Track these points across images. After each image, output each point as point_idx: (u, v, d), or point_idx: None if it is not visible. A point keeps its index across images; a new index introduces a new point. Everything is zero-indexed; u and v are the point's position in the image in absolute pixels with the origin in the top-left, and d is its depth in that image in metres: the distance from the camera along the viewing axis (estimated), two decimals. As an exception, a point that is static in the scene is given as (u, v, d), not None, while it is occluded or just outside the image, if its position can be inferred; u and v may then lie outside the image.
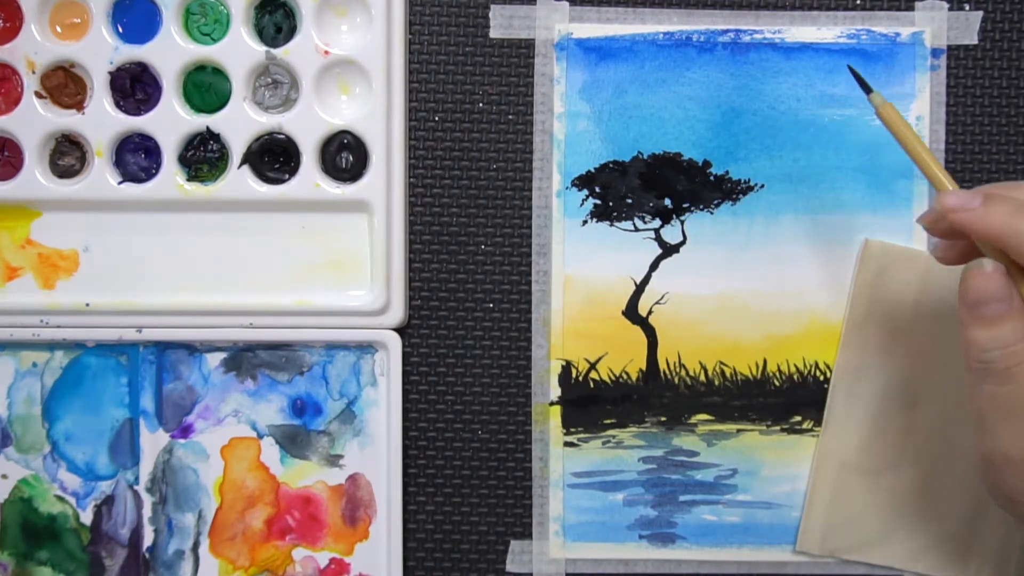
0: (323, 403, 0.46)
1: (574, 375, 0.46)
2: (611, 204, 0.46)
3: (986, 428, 0.32)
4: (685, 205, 0.46)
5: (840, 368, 0.45)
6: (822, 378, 0.46)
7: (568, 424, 0.46)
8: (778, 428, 0.46)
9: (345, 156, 0.44)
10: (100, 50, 0.44)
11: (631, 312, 0.46)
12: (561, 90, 0.45)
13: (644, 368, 0.46)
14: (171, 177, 0.44)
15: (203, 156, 0.45)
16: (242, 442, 0.46)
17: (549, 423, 0.46)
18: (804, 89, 0.45)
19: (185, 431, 0.46)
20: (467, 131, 0.46)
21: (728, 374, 0.46)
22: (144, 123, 0.44)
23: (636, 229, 0.46)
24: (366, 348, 0.45)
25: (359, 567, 0.46)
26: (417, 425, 0.46)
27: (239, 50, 0.44)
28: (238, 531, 0.46)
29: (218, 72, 0.44)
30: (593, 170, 0.46)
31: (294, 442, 0.46)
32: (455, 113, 0.46)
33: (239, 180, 0.44)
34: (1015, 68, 0.46)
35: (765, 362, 0.46)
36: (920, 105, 0.45)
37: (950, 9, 0.45)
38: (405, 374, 0.46)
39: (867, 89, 0.38)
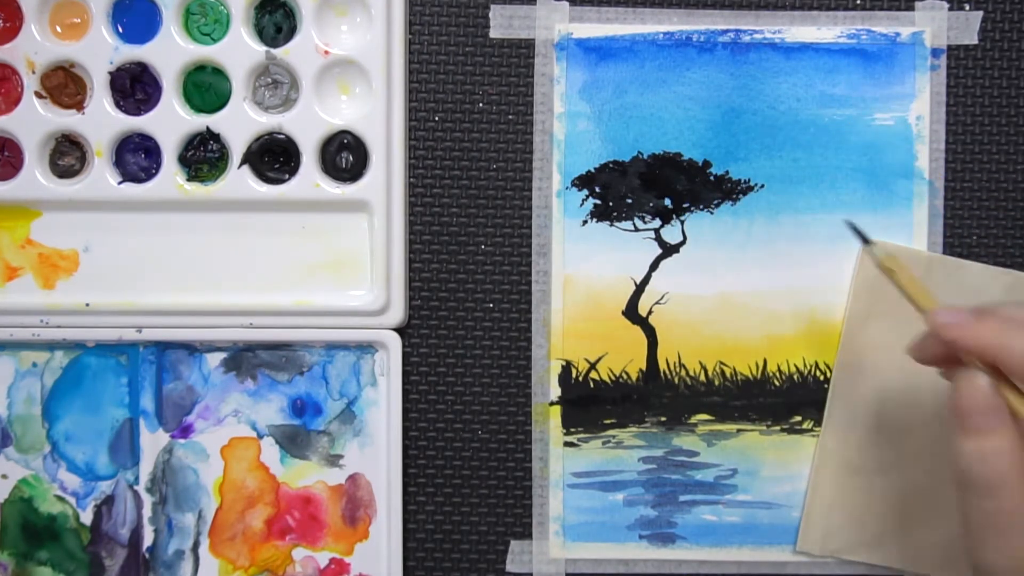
0: (323, 403, 0.46)
1: (574, 375, 0.46)
2: (611, 204, 0.46)
3: (971, 535, 0.32)
4: (685, 205, 0.46)
5: (840, 368, 0.45)
6: (822, 378, 0.46)
7: (568, 424, 0.46)
8: (778, 428, 0.46)
9: (345, 156, 0.44)
10: (100, 50, 0.44)
11: (631, 312, 0.46)
12: (561, 90, 0.45)
13: (644, 368, 0.46)
14: (171, 177, 0.44)
15: (203, 156, 0.45)
16: (242, 442, 0.46)
17: (549, 423, 0.46)
18: (804, 89, 0.45)
19: (185, 431, 0.46)
20: (467, 131, 0.46)
21: (728, 374, 0.46)
22: (144, 123, 0.44)
23: (636, 229, 0.46)
24: (366, 348, 0.45)
25: (359, 567, 0.46)
26: (417, 425, 0.46)
27: (239, 50, 0.44)
28: (238, 531, 0.46)
29: (218, 72, 0.44)
30: (593, 170, 0.46)
31: (294, 442, 0.46)
32: (455, 113, 0.46)
33: (239, 180, 0.44)
34: (1015, 68, 0.46)
35: (765, 362, 0.46)
36: (920, 105, 0.45)
37: (950, 9, 0.45)
38: (405, 374, 0.46)
39: (866, 240, 0.38)
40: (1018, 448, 0.31)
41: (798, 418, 0.46)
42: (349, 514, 0.46)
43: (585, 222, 0.46)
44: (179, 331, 0.45)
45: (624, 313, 0.46)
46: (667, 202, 0.46)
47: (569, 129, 0.45)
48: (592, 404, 0.46)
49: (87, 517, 0.46)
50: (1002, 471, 0.31)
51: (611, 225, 0.46)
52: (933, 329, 0.33)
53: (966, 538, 0.33)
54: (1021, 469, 0.31)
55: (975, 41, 0.46)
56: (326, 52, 0.44)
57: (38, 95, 0.44)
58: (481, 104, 0.46)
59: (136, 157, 0.45)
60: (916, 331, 0.45)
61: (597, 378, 0.46)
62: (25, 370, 0.46)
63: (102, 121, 0.44)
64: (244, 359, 0.46)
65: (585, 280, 0.46)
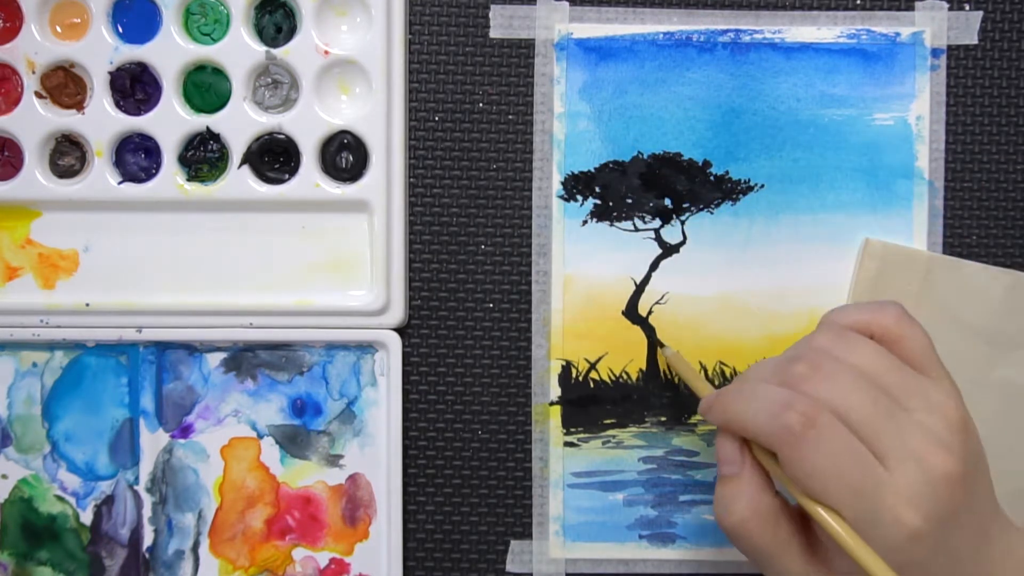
0: (323, 403, 0.46)
1: (574, 375, 0.46)
2: (611, 204, 0.46)
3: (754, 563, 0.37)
4: (685, 205, 0.46)
5: None
6: (822, 378, 0.46)
7: (568, 424, 0.46)
8: (778, 428, 0.46)
9: (345, 156, 0.44)
10: (100, 50, 0.44)
11: (631, 312, 0.46)
12: (561, 90, 0.45)
13: (644, 368, 0.46)
14: (171, 177, 0.44)
15: (203, 156, 0.45)
16: (242, 442, 0.46)
17: (549, 423, 0.46)
18: (804, 89, 0.45)
19: (185, 431, 0.46)
20: (467, 131, 0.46)
21: (728, 374, 0.46)
22: (144, 123, 0.44)
23: (636, 229, 0.46)
24: (366, 348, 0.45)
25: (359, 567, 0.46)
26: (417, 425, 0.46)
27: (239, 50, 0.44)
28: (238, 531, 0.46)
29: (218, 72, 0.44)
30: (593, 170, 0.46)
31: (294, 442, 0.46)
32: (455, 113, 0.46)
33: (239, 180, 0.44)
34: (1015, 68, 0.46)
35: (765, 362, 0.46)
36: (920, 105, 0.45)
37: (950, 9, 0.45)
38: (405, 374, 0.46)
39: (660, 344, 0.45)
40: (757, 492, 0.35)
41: (798, 418, 0.46)
42: (349, 514, 0.46)
43: (585, 222, 0.46)
44: (179, 331, 0.45)
45: (624, 313, 0.46)
46: (667, 202, 0.46)
47: (569, 129, 0.45)
48: (592, 404, 0.46)
49: (87, 517, 0.46)
50: (742, 512, 0.35)
51: (611, 225, 0.46)
52: (701, 415, 0.39)
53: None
54: (757, 509, 0.35)
55: (975, 41, 0.46)
56: (326, 52, 0.44)
57: (38, 95, 0.44)
58: (481, 104, 0.46)
59: (136, 157, 0.45)
60: (916, 331, 0.45)
61: (597, 378, 0.46)
62: (25, 370, 0.46)
63: (102, 121, 0.44)
64: (244, 359, 0.46)
65: (585, 280, 0.46)
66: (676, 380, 0.46)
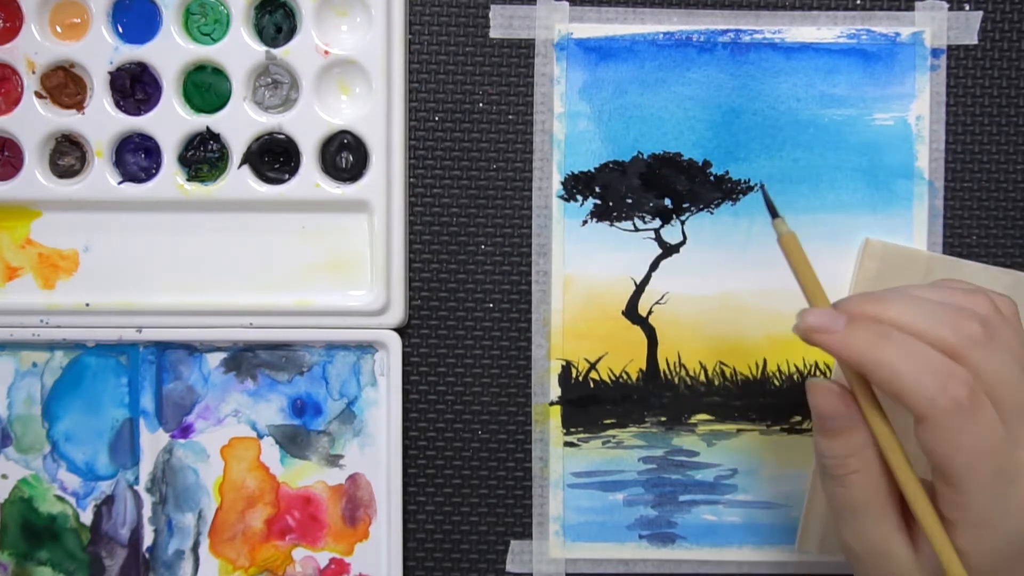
0: (323, 403, 0.46)
1: (574, 375, 0.46)
2: (611, 204, 0.46)
3: (834, 518, 0.36)
4: (685, 205, 0.46)
5: (840, 368, 0.45)
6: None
7: (568, 424, 0.46)
8: (778, 428, 0.46)
9: (345, 156, 0.44)
10: (100, 50, 0.44)
11: (631, 312, 0.46)
12: (561, 90, 0.45)
13: (644, 368, 0.46)
14: (171, 177, 0.44)
15: (203, 156, 0.45)
16: (242, 442, 0.46)
17: (549, 423, 0.46)
18: (804, 89, 0.45)
19: (185, 431, 0.46)
20: (467, 131, 0.46)
21: (728, 374, 0.46)
22: (144, 123, 0.44)
23: (636, 229, 0.46)
24: (366, 348, 0.45)
25: (359, 567, 0.46)
26: (417, 425, 0.46)
27: (239, 50, 0.44)
28: (238, 531, 0.46)
29: (218, 72, 0.44)
30: (593, 170, 0.46)
31: (294, 442, 0.46)
32: (455, 113, 0.46)
33: (239, 180, 0.44)
34: (1015, 68, 0.46)
35: (765, 362, 0.46)
36: (920, 105, 0.45)
37: (950, 9, 0.45)
38: (405, 374, 0.46)
39: (774, 213, 0.36)
40: (866, 446, 0.34)
41: (798, 418, 0.46)
42: (349, 514, 0.46)
43: (585, 222, 0.46)
44: (179, 331, 0.45)
45: (624, 313, 0.46)
46: (667, 202, 0.46)
47: (569, 129, 0.45)
48: (592, 404, 0.46)
49: (87, 517, 0.46)
50: (851, 467, 0.34)
51: (611, 225, 0.46)
52: (804, 330, 0.33)
53: (833, 520, 0.36)
54: (867, 465, 0.34)
55: (975, 41, 0.46)
56: (326, 52, 0.44)
57: (38, 95, 0.44)
58: (481, 104, 0.46)
59: (136, 157, 0.45)
60: (916, 331, 0.45)
61: (597, 378, 0.46)
62: (25, 370, 0.46)
63: (102, 121, 0.44)
64: (244, 359, 0.46)
65: (585, 280, 0.46)
66: (675, 378, 0.46)
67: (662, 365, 0.46)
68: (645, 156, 0.45)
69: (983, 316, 0.33)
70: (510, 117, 0.46)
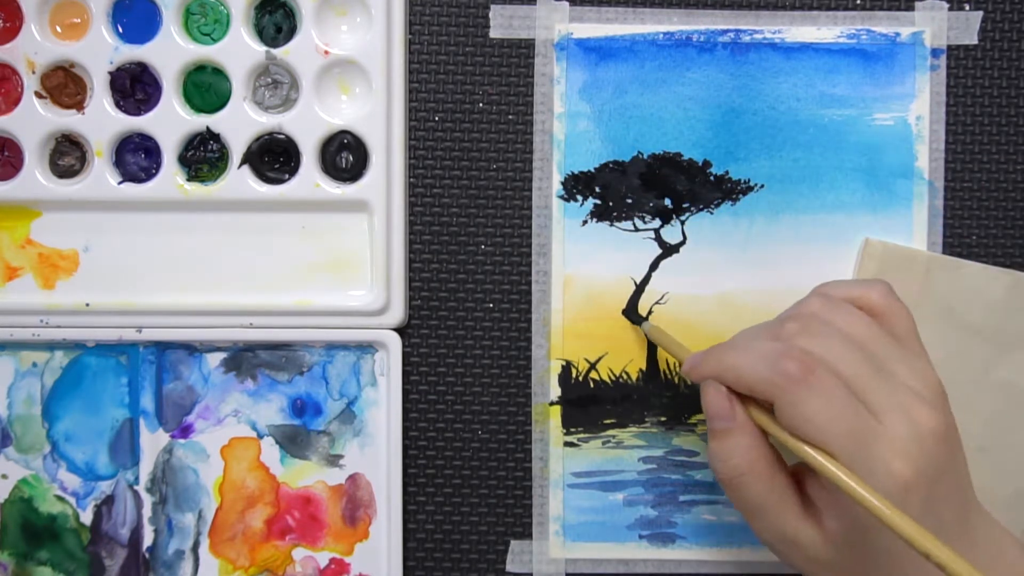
0: (323, 403, 0.46)
1: (574, 375, 0.46)
2: (611, 204, 0.46)
3: (743, 516, 0.38)
4: (685, 205, 0.46)
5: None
6: (822, 378, 0.46)
7: (568, 424, 0.46)
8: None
9: (345, 156, 0.44)
10: (100, 50, 0.44)
11: (631, 312, 0.46)
12: (561, 90, 0.45)
13: (644, 368, 0.46)
14: (171, 177, 0.44)
15: (203, 156, 0.45)
16: (242, 442, 0.46)
17: (549, 423, 0.46)
18: (804, 89, 0.45)
19: (185, 431, 0.46)
20: (467, 131, 0.46)
21: (728, 374, 0.46)
22: (144, 123, 0.44)
23: (636, 229, 0.46)
24: (366, 348, 0.45)
25: (359, 567, 0.46)
26: (417, 425, 0.46)
27: (239, 50, 0.44)
28: (238, 531, 0.46)
29: (218, 72, 0.44)
30: (593, 170, 0.46)
31: (294, 442, 0.46)
32: (455, 113, 0.46)
33: (239, 180, 0.44)
34: (1015, 68, 0.46)
35: (765, 362, 0.46)
36: (920, 105, 0.45)
37: (950, 9, 0.45)
38: (405, 374, 0.46)
39: (640, 320, 0.44)
40: (751, 447, 0.36)
41: (798, 418, 0.46)
42: (349, 514, 0.46)
43: (585, 222, 0.46)
44: (179, 331, 0.45)
45: (624, 313, 0.46)
46: (667, 202, 0.46)
47: (569, 129, 0.45)
48: (592, 404, 0.46)
49: (87, 517, 0.46)
50: (740, 466, 0.36)
51: (611, 225, 0.46)
52: (684, 375, 0.39)
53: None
54: (753, 465, 0.36)
55: (975, 41, 0.46)
56: (326, 52, 0.44)
57: (38, 95, 0.44)
58: (481, 104, 0.46)
59: (136, 157, 0.45)
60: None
61: (597, 378, 0.46)
62: (25, 370, 0.46)
63: (102, 121, 0.44)
64: (244, 359, 0.46)
65: (585, 280, 0.46)
66: (676, 378, 0.46)
67: (662, 365, 0.46)
68: (645, 156, 0.45)
69: (802, 314, 0.36)
70: (510, 117, 0.46)
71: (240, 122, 0.44)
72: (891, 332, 0.37)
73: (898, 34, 0.45)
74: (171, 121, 0.44)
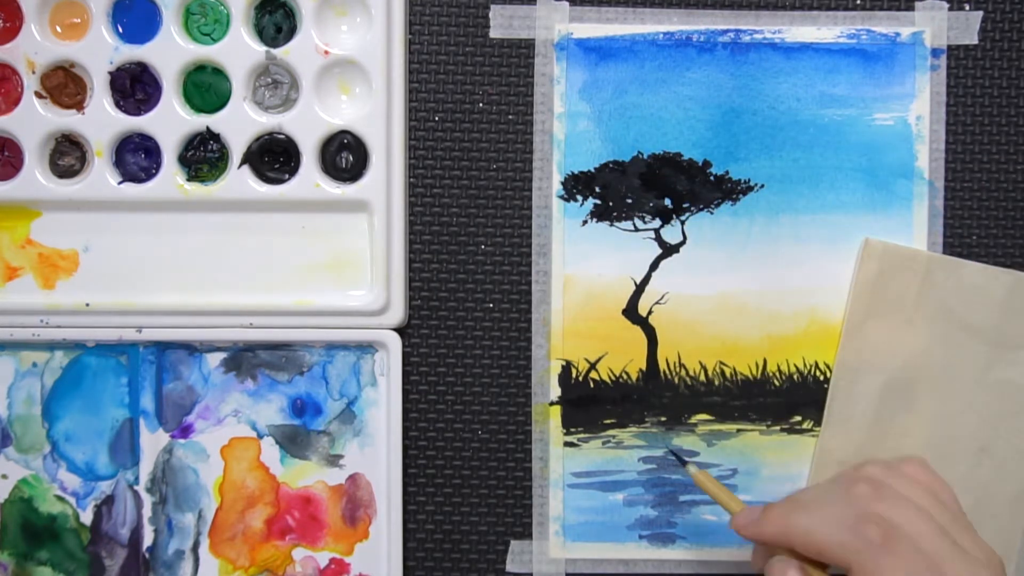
0: (323, 403, 0.46)
1: (574, 375, 0.46)
2: (611, 204, 0.46)
3: None
4: (685, 205, 0.46)
5: (840, 368, 0.45)
6: (822, 378, 0.46)
7: (568, 424, 0.46)
8: (778, 428, 0.46)
9: (345, 156, 0.44)
10: (100, 50, 0.44)
11: (631, 312, 0.46)
12: (561, 90, 0.45)
13: (644, 368, 0.46)
14: (171, 177, 0.44)
15: (203, 156, 0.45)
16: (242, 442, 0.46)
17: (549, 423, 0.46)
18: (804, 89, 0.45)
19: (185, 431, 0.46)
20: (467, 131, 0.46)
21: (728, 374, 0.46)
22: (144, 123, 0.44)
23: (636, 229, 0.46)
24: (366, 348, 0.45)
25: (359, 567, 0.46)
26: (417, 425, 0.46)
27: (239, 50, 0.44)
28: (238, 531, 0.46)
29: (218, 72, 0.44)
30: (593, 170, 0.46)
31: (294, 442, 0.46)
32: (455, 113, 0.46)
33: (239, 180, 0.44)
34: (1015, 68, 0.46)
35: (765, 362, 0.46)
36: (920, 105, 0.45)
37: (950, 9, 0.45)
38: (405, 374, 0.46)
39: (683, 462, 0.42)
40: None
41: (798, 418, 0.46)
42: (349, 514, 0.46)
43: (585, 222, 0.46)
44: (179, 331, 0.45)
45: (624, 313, 0.46)
46: (667, 202, 0.46)
47: (569, 129, 0.45)
48: (592, 404, 0.46)
49: (87, 517, 0.46)
50: None
51: (611, 225, 0.46)
52: (735, 530, 0.38)
53: None
54: None
55: (975, 41, 0.46)
56: (326, 52, 0.44)
57: (38, 95, 0.44)
58: (481, 104, 0.46)
59: (136, 157, 0.45)
60: (916, 331, 0.45)
61: (597, 378, 0.46)
62: (25, 370, 0.46)
63: (102, 121, 0.44)
64: (244, 359, 0.46)
65: (585, 280, 0.46)
66: (675, 378, 0.46)
67: (662, 365, 0.46)
68: (645, 156, 0.45)
69: (871, 479, 0.37)
70: (510, 117, 0.46)
71: (240, 122, 0.44)
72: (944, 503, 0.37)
73: (898, 34, 0.45)
74: (171, 121, 0.44)
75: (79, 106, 0.44)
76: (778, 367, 0.46)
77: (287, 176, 0.44)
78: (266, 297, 0.45)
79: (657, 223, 0.46)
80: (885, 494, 0.35)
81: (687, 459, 0.44)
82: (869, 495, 0.35)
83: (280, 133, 0.44)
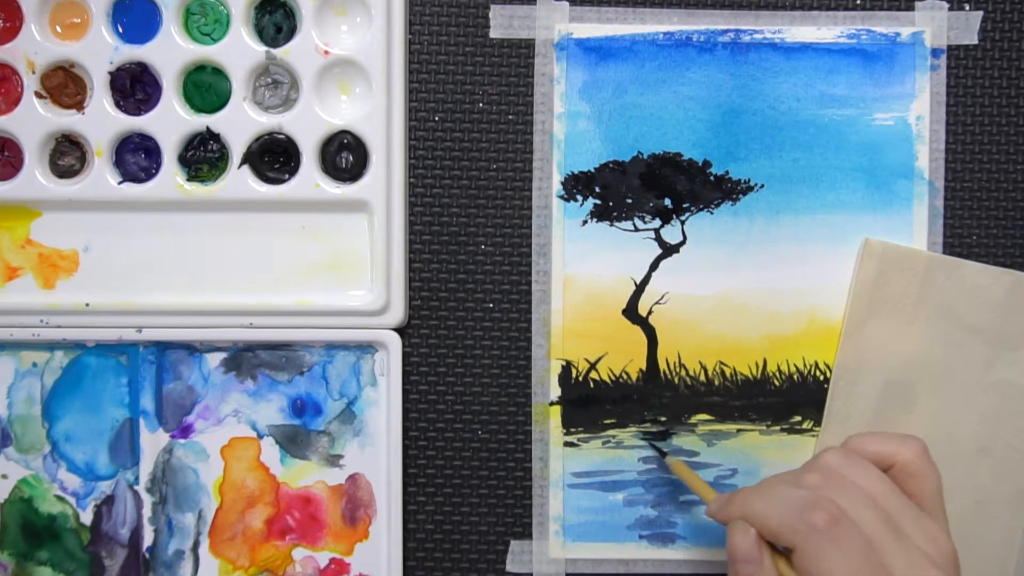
0: (323, 403, 0.46)
1: (574, 375, 0.46)
2: (611, 204, 0.46)
3: None
4: (685, 205, 0.46)
5: (840, 368, 0.45)
6: (822, 378, 0.46)
7: (568, 424, 0.46)
8: (778, 428, 0.46)
9: (345, 156, 0.44)
10: (100, 50, 0.44)
11: (631, 312, 0.46)
12: (561, 90, 0.45)
13: (644, 368, 0.46)
14: (171, 177, 0.44)
15: (203, 156, 0.45)
16: (242, 442, 0.46)
17: (549, 423, 0.46)
18: (804, 89, 0.45)
19: (185, 431, 0.46)
20: (467, 131, 0.46)
21: (728, 374, 0.46)
22: (144, 123, 0.44)
23: (636, 229, 0.46)
24: (366, 348, 0.45)
25: (359, 567, 0.46)
26: (417, 425, 0.46)
27: (239, 50, 0.44)
28: (238, 531, 0.46)
29: (218, 72, 0.44)
30: (593, 170, 0.46)
31: (294, 442, 0.46)
32: (455, 113, 0.46)
33: (239, 180, 0.44)
34: (1015, 68, 0.46)
35: (765, 362, 0.46)
36: (920, 105, 0.45)
37: (950, 9, 0.45)
38: (405, 374, 0.46)
39: (663, 453, 0.45)
40: None
41: (798, 418, 0.46)
42: (349, 514, 0.46)
43: (585, 222, 0.46)
44: (179, 331, 0.45)
45: (624, 313, 0.46)
46: (667, 202, 0.46)
47: (569, 129, 0.45)
48: (592, 404, 0.46)
49: (87, 517, 0.46)
50: None
51: (611, 225, 0.46)
52: (710, 516, 0.40)
53: None
54: None
55: (975, 41, 0.46)
56: (326, 52, 0.44)
57: (38, 95, 0.44)
58: (481, 104, 0.46)
59: (136, 157, 0.45)
60: (916, 331, 0.45)
61: (597, 378, 0.46)
62: (25, 370, 0.46)
63: (102, 121, 0.44)
64: (244, 359, 0.46)
65: (585, 280, 0.46)
66: (675, 378, 0.46)
67: (662, 365, 0.46)
68: (645, 156, 0.45)
69: (823, 466, 0.37)
70: (510, 117, 0.46)
71: (240, 122, 0.44)
72: (917, 493, 0.38)
73: (898, 34, 0.45)
74: (171, 121, 0.44)
75: (79, 106, 0.44)
76: (778, 367, 0.46)
77: (287, 176, 0.44)
78: (266, 297, 0.45)
79: (657, 223, 0.46)
80: (836, 481, 0.36)
81: (666, 450, 0.45)
82: (819, 482, 0.37)
83: (280, 133, 0.44)
